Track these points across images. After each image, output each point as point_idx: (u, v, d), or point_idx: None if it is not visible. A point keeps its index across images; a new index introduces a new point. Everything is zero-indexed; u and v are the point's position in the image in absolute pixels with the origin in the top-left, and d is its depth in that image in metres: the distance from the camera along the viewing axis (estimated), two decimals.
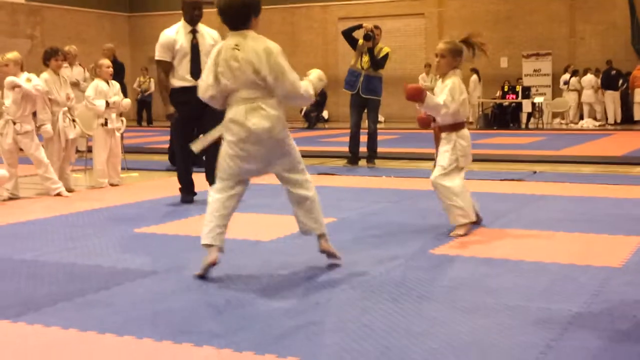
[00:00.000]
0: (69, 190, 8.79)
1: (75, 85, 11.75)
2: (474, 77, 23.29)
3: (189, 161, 7.80)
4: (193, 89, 7.17)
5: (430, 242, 5.68)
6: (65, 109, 8.76)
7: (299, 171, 4.84)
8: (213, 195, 4.76)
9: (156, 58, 7.71)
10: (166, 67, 7.65)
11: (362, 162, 11.23)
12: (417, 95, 5.74)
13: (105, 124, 9.18)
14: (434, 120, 6.08)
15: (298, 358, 3.28)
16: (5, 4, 25.03)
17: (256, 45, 4.62)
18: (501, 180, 9.24)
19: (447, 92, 5.82)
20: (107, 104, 9.12)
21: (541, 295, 4.21)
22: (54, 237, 6.09)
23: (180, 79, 7.61)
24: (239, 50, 4.60)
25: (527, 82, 23.83)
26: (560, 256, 5.16)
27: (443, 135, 5.99)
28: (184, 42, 7.61)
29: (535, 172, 10.09)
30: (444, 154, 5.95)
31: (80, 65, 13.37)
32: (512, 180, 9.29)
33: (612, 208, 7.14)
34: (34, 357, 3.37)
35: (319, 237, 4.93)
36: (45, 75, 8.64)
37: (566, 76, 23.16)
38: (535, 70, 24.72)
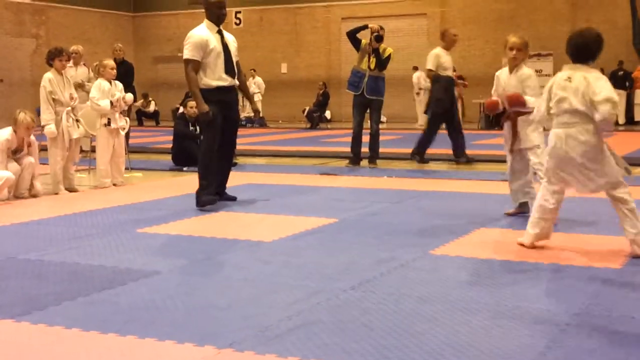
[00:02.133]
0: (72, 190, 8.84)
1: (80, 86, 11.76)
2: (418, 73, 22.82)
3: (215, 164, 7.63)
4: (230, 89, 7.64)
5: (430, 243, 5.71)
6: (69, 108, 8.78)
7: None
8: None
9: (188, 57, 7.57)
10: (197, 67, 7.54)
11: (364, 163, 11.26)
12: (518, 103, 6.31)
13: (109, 123, 9.22)
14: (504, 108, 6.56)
15: (298, 358, 3.31)
16: (11, 3, 25.08)
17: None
18: (503, 181, 9.25)
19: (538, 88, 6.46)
20: (112, 103, 9.17)
21: (540, 296, 4.25)
22: (57, 236, 6.14)
23: (218, 78, 7.55)
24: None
25: None
26: (560, 257, 5.19)
27: (523, 118, 6.47)
28: (216, 43, 7.59)
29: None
30: (532, 134, 6.53)
31: (84, 65, 13.38)
32: None
33: (613, 209, 7.14)
34: (37, 356, 3.41)
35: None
36: (49, 75, 8.67)
37: None
38: (537, 71, 24.49)
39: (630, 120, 22.04)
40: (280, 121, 26.30)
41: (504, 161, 11.54)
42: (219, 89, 7.54)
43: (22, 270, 5.01)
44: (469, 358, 3.29)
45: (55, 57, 8.70)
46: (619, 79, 22.15)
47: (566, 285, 4.49)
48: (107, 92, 9.22)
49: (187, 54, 7.59)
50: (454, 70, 12.11)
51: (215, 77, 7.56)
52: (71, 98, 8.85)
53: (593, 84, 5.14)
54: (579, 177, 5.30)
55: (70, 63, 11.42)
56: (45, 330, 3.75)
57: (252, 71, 25.63)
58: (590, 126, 5.17)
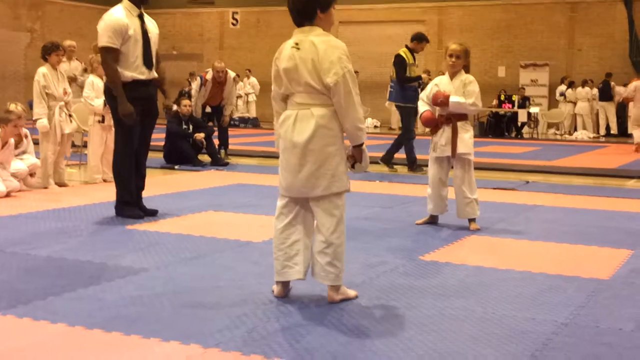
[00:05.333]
0: (63, 184, 8.81)
1: (72, 80, 11.73)
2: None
3: (133, 171, 6.81)
4: (147, 83, 6.66)
5: (420, 249, 5.71)
6: (62, 103, 8.75)
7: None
8: None
9: (105, 44, 6.51)
10: (116, 57, 6.53)
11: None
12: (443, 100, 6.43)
13: (102, 120, 9.19)
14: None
15: None
16: None
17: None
18: (494, 189, 9.28)
19: (477, 93, 6.44)
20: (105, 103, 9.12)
21: (528, 305, 4.24)
22: (45, 231, 6.10)
23: (134, 70, 6.60)
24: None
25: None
26: (549, 267, 5.19)
27: (460, 124, 6.49)
28: (136, 28, 6.60)
29: (527, 182, 10.13)
30: (470, 140, 6.54)
31: (77, 60, 13.36)
32: (505, 189, 9.32)
33: (603, 220, 7.17)
34: (21, 351, 3.38)
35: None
36: (44, 69, 8.64)
37: (562, 87, 23.21)
38: (532, 81, 24.76)
39: (625, 132, 22.05)
40: (273, 122, 26.26)
41: (499, 169, 11.65)
42: (136, 82, 6.60)
43: (8, 264, 4.98)
44: None
45: (52, 51, 8.64)
46: (608, 90, 22.18)
47: (554, 295, 4.48)
48: (100, 89, 9.17)
49: (105, 41, 6.51)
50: None
51: (132, 69, 6.58)
52: (65, 93, 8.82)
53: (322, 55, 4.07)
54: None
55: (64, 58, 11.39)
56: (30, 324, 3.73)
57: (248, 72, 25.60)
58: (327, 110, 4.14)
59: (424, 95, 6.65)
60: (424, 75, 11.86)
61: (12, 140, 8.08)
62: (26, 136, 8.52)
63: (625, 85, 19.54)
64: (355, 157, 4.27)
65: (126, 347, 3.43)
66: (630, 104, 17.06)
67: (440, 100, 6.43)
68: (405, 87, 11.13)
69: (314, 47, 4.09)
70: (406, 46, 11.36)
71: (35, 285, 4.44)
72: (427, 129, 6.80)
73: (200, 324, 3.77)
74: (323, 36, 4.16)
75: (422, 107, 6.62)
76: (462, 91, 6.43)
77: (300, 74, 4.11)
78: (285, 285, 4.31)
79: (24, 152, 8.47)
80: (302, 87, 4.15)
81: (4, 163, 8.00)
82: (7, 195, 7.83)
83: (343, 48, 4.15)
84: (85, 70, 12.81)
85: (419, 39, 11.27)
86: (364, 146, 4.26)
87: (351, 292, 4.33)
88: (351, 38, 24.60)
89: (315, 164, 4.13)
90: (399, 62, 11.14)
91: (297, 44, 4.15)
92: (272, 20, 28.27)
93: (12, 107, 8.18)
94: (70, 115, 8.92)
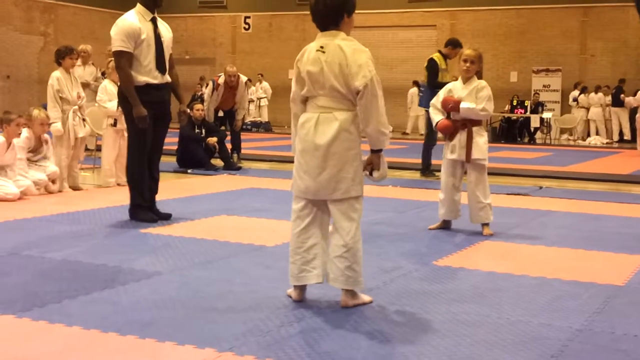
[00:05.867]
0: (77, 188, 8.84)
1: (86, 85, 11.77)
2: (414, 89, 22.81)
3: (146, 174, 6.84)
4: (160, 87, 6.67)
5: (434, 254, 5.70)
6: (76, 107, 8.79)
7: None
8: None
9: (118, 49, 6.57)
10: (130, 60, 6.58)
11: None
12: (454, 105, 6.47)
13: (115, 124, 9.23)
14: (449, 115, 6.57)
15: None
16: (21, 0, 25.13)
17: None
18: (507, 194, 9.25)
19: (487, 99, 6.41)
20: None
21: (543, 311, 4.22)
22: (60, 234, 6.13)
23: (146, 74, 6.64)
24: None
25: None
26: (564, 272, 5.17)
27: (475, 129, 6.49)
28: (149, 32, 6.66)
29: (541, 188, 10.10)
30: (485, 145, 6.51)
31: (92, 64, 13.39)
32: (518, 194, 9.30)
33: (618, 226, 7.14)
34: (37, 354, 3.39)
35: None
36: (57, 73, 8.67)
37: (575, 93, 23.14)
38: (544, 86, 24.70)
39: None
40: (285, 126, 26.24)
41: (512, 174, 11.61)
42: (149, 86, 6.65)
43: (24, 267, 5.00)
44: None
45: (66, 55, 8.68)
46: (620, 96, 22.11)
47: (569, 300, 4.46)
48: (113, 93, 9.19)
49: (118, 45, 6.58)
50: None
51: (144, 73, 6.63)
52: (78, 97, 8.86)
53: (350, 59, 4.09)
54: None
55: (79, 62, 11.44)
56: (46, 327, 3.74)
57: (260, 76, 25.64)
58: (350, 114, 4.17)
59: (437, 102, 6.64)
60: None
61: (15, 141, 8.10)
62: (46, 142, 8.56)
63: (635, 94, 19.48)
64: (373, 164, 4.26)
65: (141, 351, 3.44)
66: None
67: (450, 106, 6.44)
68: (437, 92, 11.05)
69: (341, 51, 4.11)
70: (439, 51, 11.26)
71: (51, 288, 4.46)
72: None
73: (214, 328, 3.77)
74: (349, 40, 4.18)
75: (436, 115, 6.60)
76: (475, 96, 6.42)
77: (326, 77, 4.12)
78: (303, 289, 4.31)
79: (44, 158, 8.52)
80: (325, 91, 4.15)
81: (12, 165, 8.03)
82: (21, 198, 7.87)
83: (368, 52, 4.18)
84: (103, 74, 12.85)
85: (454, 45, 11.07)
86: (382, 152, 4.26)
87: (365, 297, 4.33)
88: (362, 43, 24.16)
89: (337, 167, 4.14)
90: (431, 67, 11.00)
91: (322, 47, 4.16)
92: (284, 24, 28.33)
93: (35, 112, 8.28)
94: (83, 119, 8.96)
